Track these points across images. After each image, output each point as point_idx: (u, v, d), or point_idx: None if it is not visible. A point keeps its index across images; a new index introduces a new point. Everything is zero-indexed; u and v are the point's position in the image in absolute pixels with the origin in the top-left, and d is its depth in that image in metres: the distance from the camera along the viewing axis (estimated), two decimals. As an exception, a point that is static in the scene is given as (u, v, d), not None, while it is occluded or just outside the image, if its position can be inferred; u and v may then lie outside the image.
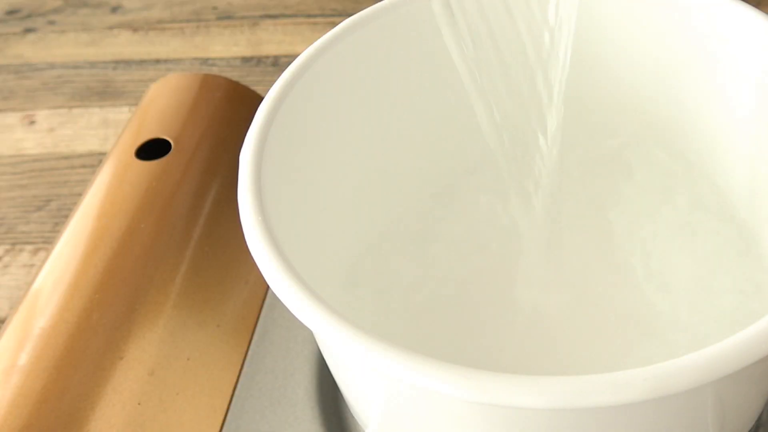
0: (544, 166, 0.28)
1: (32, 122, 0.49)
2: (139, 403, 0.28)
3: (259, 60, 0.52)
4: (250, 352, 0.31)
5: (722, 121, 0.29)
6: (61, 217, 0.43)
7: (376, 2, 0.29)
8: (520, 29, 0.26)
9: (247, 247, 0.22)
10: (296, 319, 0.20)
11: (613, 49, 0.31)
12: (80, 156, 0.47)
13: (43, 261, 0.32)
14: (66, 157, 0.47)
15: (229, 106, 0.39)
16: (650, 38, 0.30)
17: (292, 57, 0.30)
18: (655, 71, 0.31)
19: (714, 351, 0.18)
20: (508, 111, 0.27)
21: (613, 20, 0.30)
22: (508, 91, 0.27)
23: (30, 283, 0.32)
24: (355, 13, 0.28)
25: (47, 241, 0.42)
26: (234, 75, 0.51)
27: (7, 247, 0.42)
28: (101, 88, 0.51)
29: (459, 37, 0.25)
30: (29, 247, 0.42)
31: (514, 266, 0.30)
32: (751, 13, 0.27)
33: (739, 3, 0.27)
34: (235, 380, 0.30)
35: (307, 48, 0.27)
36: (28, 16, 0.58)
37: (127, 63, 0.53)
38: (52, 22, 0.57)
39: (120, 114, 0.49)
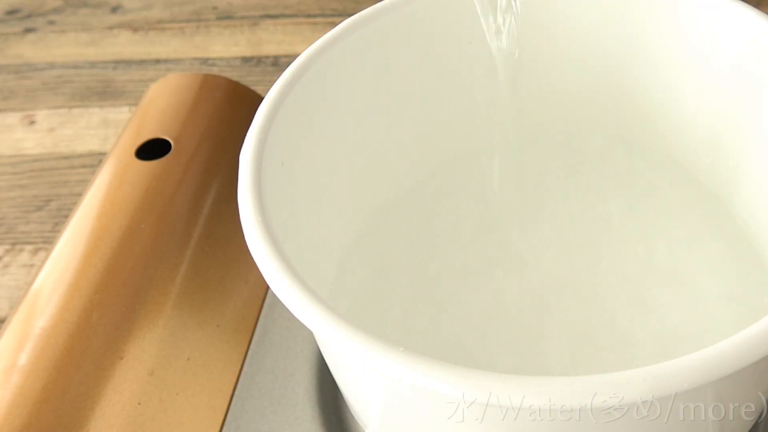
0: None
1: (32, 122, 0.49)
2: (139, 403, 0.28)
3: (259, 60, 0.52)
4: (250, 352, 0.31)
5: (722, 119, 0.29)
6: (61, 217, 0.43)
7: (376, 2, 0.29)
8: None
9: (247, 247, 0.22)
10: (296, 319, 0.20)
11: (614, 49, 0.31)
12: (80, 156, 0.47)
13: (43, 261, 0.32)
14: (66, 157, 0.47)
15: (229, 106, 0.39)
16: (650, 38, 0.30)
17: (292, 57, 0.30)
18: (656, 71, 0.31)
19: (714, 351, 0.18)
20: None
21: (613, 20, 0.30)
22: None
23: (30, 283, 0.32)
24: (355, 13, 0.28)
25: (47, 241, 0.42)
26: (234, 75, 0.51)
27: (7, 247, 0.42)
28: (101, 88, 0.51)
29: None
30: (29, 247, 0.42)
31: (515, 261, 0.30)
32: (751, 13, 0.27)
33: (738, 3, 0.27)
34: (235, 380, 0.30)
35: (307, 48, 0.27)
36: (28, 16, 0.58)
37: (127, 63, 0.53)
38: (52, 22, 0.57)
39: (120, 114, 0.49)
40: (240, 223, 0.22)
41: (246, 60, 0.53)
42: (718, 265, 0.29)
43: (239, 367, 0.31)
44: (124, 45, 0.55)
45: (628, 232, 0.30)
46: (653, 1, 0.29)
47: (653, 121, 0.31)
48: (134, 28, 0.56)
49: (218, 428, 0.29)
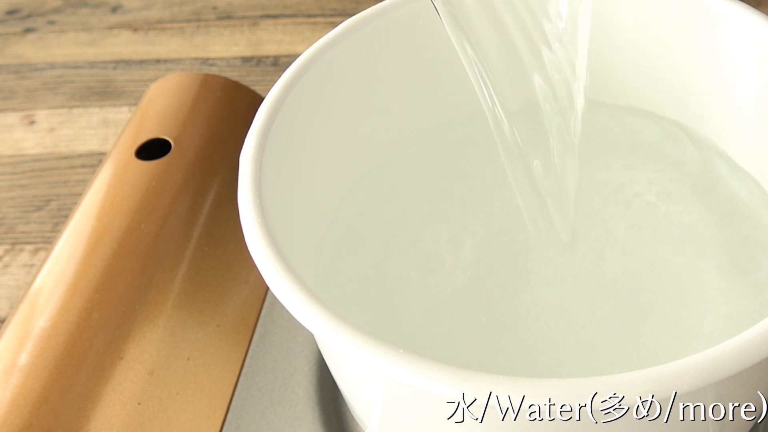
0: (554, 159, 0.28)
1: (32, 122, 0.49)
2: (139, 403, 0.28)
3: (259, 60, 0.52)
4: (250, 352, 0.31)
5: (725, 118, 0.30)
6: (61, 217, 0.43)
7: (377, 2, 0.29)
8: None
9: (247, 247, 0.22)
10: (296, 319, 0.20)
11: (617, 48, 0.31)
12: (80, 156, 0.47)
13: (43, 261, 0.32)
14: (66, 157, 0.47)
15: (229, 106, 0.39)
16: (654, 39, 0.30)
17: (292, 57, 0.30)
18: (659, 71, 0.31)
19: (714, 353, 0.18)
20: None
21: (618, 21, 0.30)
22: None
23: (30, 283, 0.32)
24: (355, 13, 0.28)
25: (47, 241, 0.42)
26: (234, 75, 0.51)
27: (7, 247, 0.42)
28: (101, 88, 0.51)
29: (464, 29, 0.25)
30: (29, 247, 0.42)
31: (518, 257, 0.30)
32: (753, 16, 0.27)
33: (739, 5, 0.27)
34: (235, 380, 0.30)
35: (307, 48, 0.27)
36: (28, 16, 0.58)
37: (127, 63, 0.53)
38: (52, 22, 0.57)
39: (120, 114, 0.49)
40: (240, 223, 0.22)
41: (246, 60, 0.53)
42: (744, 280, 0.28)
43: (239, 367, 0.31)
44: (124, 45, 0.55)
45: (644, 235, 0.30)
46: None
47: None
48: (134, 28, 0.56)
49: (218, 428, 0.29)
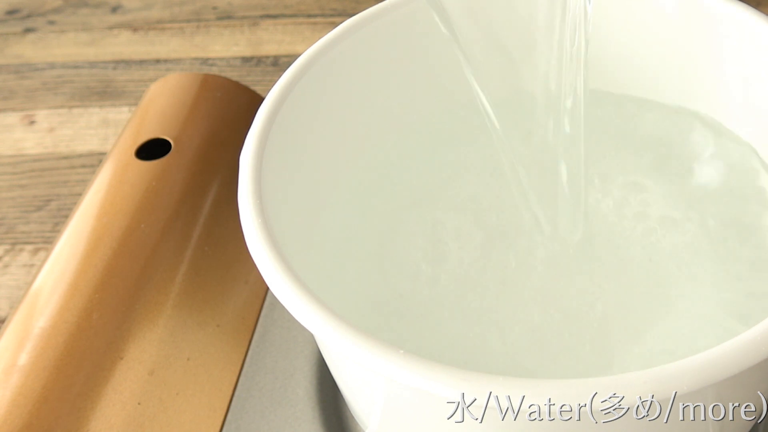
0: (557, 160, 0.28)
1: (32, 122, 0.49)
2: (139, 403, 0.28)
3: (259, 60, 0.52)
4: (250, 352, 0.31)
5: (724, 117, 0.30)
6: (61, 217, 0.43)
7: (377, 2, 0.29)
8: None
9: (247, 247, 0.22)
10: (296, 319, 0.20)
11: (618, 48, 0.31)
12: (80, 156, 0.47)
13: (43, 261, 0.32)
14: (66, 157, 0.47)
15: (229, 106, 0.39)
16: (654, 39, 0.30)
17: (292, 57, 0.30)
18: (659, 71, 0.31)
19: (714, 353, 0.18)
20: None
21: (618, 20, 0.30)
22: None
23: (30, 283, 0.32)
24: (355, 13, 0.28)
25: (47, 241, 0.42)
26: (234, 75, 0.51)
27: (7, 247, 0.42)
28: (101, 88, 0.51)
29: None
30: (29, 247, 0.42)
31: (518, 255, 0.30)
32: (753, 16, 0.27)
33: (739, 5, 0.27)
34: (235, 380, 0.30)
35: (307, 48, 0.27)
36: (28, 16, 0.58)
37: (127, 63, 0.53)
38: (52, 22, 0.57)
39: (120, 114, 0.49)
40: (240, 223, 0.22)
41: (246, 60, 0.53)
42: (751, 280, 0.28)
43: (239, 367, 0.31)
44: (124, 45, 0.55)
45: (651, 237, 0.30)
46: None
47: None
48: (134, 28, 0.56)
49: (218, 428, 0.29)
